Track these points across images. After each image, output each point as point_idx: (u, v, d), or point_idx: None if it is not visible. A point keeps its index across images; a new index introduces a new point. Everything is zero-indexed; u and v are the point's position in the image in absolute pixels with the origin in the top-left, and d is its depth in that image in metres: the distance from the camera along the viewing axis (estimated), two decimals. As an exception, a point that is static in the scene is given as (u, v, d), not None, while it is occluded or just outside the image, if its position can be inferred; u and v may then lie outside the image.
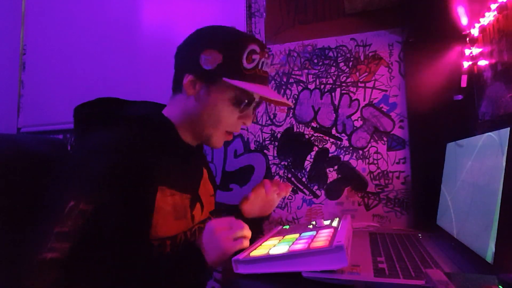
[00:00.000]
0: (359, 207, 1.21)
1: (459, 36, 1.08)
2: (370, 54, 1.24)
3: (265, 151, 1.34)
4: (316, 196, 1.27)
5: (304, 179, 1.28)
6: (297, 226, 0.94)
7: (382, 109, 1.21)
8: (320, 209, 1.26)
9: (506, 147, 0.59)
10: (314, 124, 1.29)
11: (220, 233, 0.61)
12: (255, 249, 0.69)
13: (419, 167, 1.13)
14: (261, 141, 1.34)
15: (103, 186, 0.58)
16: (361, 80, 1.24)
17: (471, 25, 1.03)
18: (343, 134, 1.25)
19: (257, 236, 0.81)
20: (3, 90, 1.67)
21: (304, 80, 1.31)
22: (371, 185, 1.20)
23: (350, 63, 1.26)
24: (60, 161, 0.66)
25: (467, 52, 1.07)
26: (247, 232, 0.64)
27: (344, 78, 1.26)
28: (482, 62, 0.98)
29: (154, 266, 0.60)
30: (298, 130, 1.30)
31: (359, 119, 1.23)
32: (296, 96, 1.31)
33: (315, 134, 1.28)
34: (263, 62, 0.71)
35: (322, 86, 1.29)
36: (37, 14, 1.71)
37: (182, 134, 0.74)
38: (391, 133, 1.20)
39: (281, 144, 1.32)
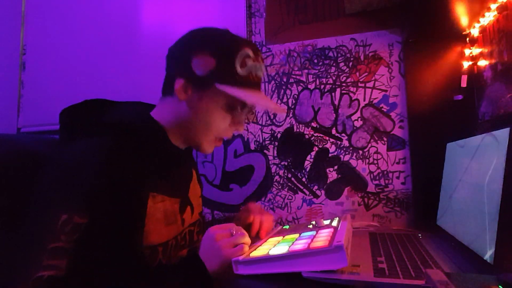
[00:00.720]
0: (359, 207, 1.21)
1: (459, 36, 1.08)
2: (370, 54, 1.24)
3: (265, 151, 1.34)
4: (316, 196, 1.27)
5: (304, 179, 1.28)
6: (297, 226, 0.94)
7: (382, 109, 1.21)
8: (320, 209, 1.26)
9: (506, 147, 0.59)
10: (314, 124, 1.29)
11: (220, 240, 0.61)
12: (255, 249, 0.69)
13: (419, 167, 1.13)
14: (261, 141, 1.34)
15: (96, 198, 0.56)
16: (361, 80, 1.24)
17: (471, 25, 1.03)
18: (343, 134, 1.25)
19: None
20: (3, 90, 1.67)
21: (304, 80, 1.31)
22: (371, 185, 1.20)
23: (350, 63, 1.26)
24: (45, 170, 0.62)
25: (467, 52, 1.07)
26: (247, 239, 0.64)
27: (344, 78, 1.26)
28: (482, 62, 0.98)
29: (155, 278, 0.59)
30: (298, 130, 1.30)
31: (359, 119, 1.23)
32: (296, 96, 1.31)
33: (315, 134, 1.28)
34: (256, 67, 0.69)
35: (322, 86, 1.29)
36: (37, 14, 1.71)
37: (172, 138, 0.72)
38: (391, 133, 1.20)
39: (281, 144, 1.32)
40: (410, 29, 1.12)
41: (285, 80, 1.33)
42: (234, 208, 1.35)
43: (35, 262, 0.50)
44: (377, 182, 1.20)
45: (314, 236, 0.69)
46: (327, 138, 1.27)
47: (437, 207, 0.97)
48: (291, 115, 1.31)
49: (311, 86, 1.30)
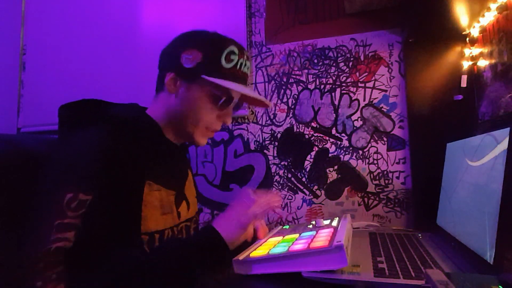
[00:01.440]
0: (359, 207, 1.21)
1: (459, 36, 1.08)
2: (370, 54, 1.24)
3: (265, 151, 1.34)
4: (316, 196, 1.27)
5: (304, 179, 1.28)
6: (297, 226, 0.94)
7: (382, 109, 1.21)
8: (320, 209, 1.26)
9: (506, 147, 0.59)
10: (314, 124, 1.29)
11: (237, 206, 0.68)
12: (255, 249, 0.69)
13: (419, 167, 1.13)
14: (261, 141, 1.34)
15: (100, 176, 0.59)
16: (361, 80, 1.24)
17: (471, 25, 1.03)
18: (343, 134, 1.25)
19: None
20: (3, 90, 1.67)
21: (304, 80, 1.31)
22: (371, 185, 1.21)
23: (350, 63, 1.26)
24: (48, 159, 0.66)
25: (467, 52, 1.07)
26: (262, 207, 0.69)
27: (344, 78, 1.26)
28: (482, 62, 0.98)
29: (166, 251, 0.61)
30: (298, 130, 1.30)
31: (359, 119, 1.23)
32: (296, 96, 1.31)
33: (315, 134, 1.28)
34: (241, 63, 0.73)
35: (322, 86, 1.29)
36: (37, 14, 1.71)
37: (165, 132, 0.76)
38: (391, 133, 1.20)
39: (281, 144, 1.32)
40: (410, 29, 1.12)
41: (285, 80, 1.33)
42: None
43: (43, 238, 0.53)
44: (377, 182, 1.20)
45: (314, 236, 0.69)
46: (327, 138, 1.27)
47: (437, 207, 0.97)
48: (291, 115, 1.32)
49: (311, 86, 1.30)
